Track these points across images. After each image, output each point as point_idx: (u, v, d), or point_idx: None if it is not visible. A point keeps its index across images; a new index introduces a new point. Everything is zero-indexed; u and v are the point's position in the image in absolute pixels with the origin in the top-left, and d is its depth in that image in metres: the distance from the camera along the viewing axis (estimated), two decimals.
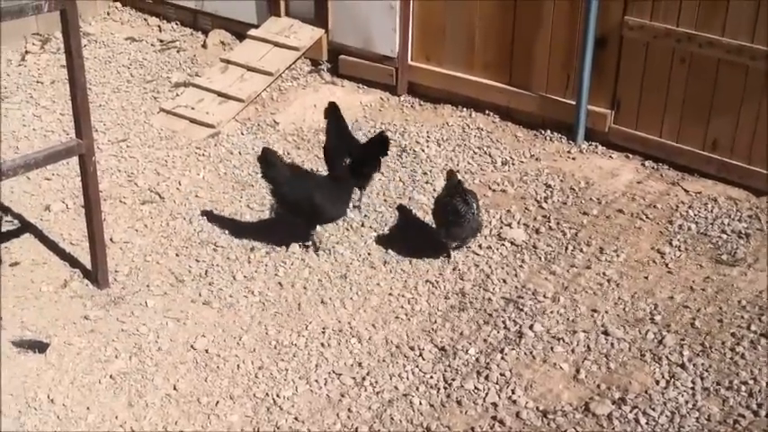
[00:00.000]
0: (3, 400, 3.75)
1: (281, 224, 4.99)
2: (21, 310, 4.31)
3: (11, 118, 6.13)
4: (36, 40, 7.25)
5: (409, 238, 4.86)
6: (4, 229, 4.90)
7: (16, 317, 4.26)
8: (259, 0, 6.94)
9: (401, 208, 5.11)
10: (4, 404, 3.73)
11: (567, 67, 5.65)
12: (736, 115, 5.05)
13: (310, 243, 4.80)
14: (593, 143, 5.63)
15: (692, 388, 3.75)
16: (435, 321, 4.24)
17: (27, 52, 7.10)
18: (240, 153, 5.77)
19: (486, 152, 5.64)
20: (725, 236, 4.74)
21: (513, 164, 5.50)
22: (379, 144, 5.08)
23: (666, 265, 4.56)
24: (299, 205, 4.69)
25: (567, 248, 4.71)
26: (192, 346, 4.11)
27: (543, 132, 5.79)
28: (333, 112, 5.25)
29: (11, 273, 4.57)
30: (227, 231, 4.97)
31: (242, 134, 6.01)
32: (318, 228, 4.86)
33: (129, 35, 7.41)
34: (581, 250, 4.69)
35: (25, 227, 4.95)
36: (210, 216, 5.10)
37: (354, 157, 4.94)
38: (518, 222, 4.94)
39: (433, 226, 4.79)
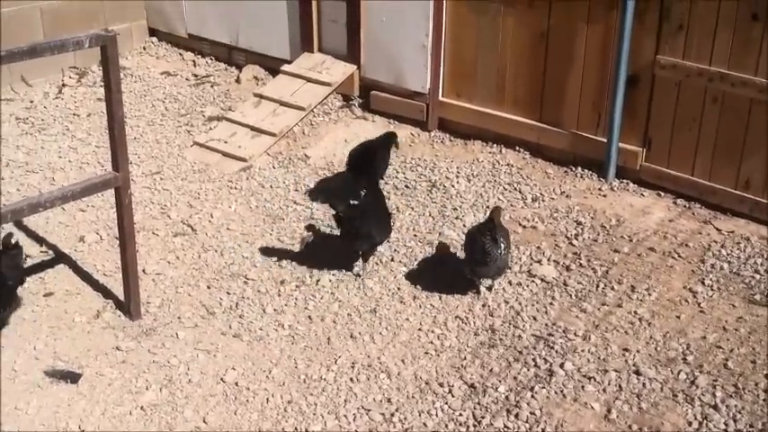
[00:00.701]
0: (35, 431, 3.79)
1: (311, 257, 5.02)
2: (54, 340, 4.36)
3: (47, 149, 6.24)
4: (73, 73, 7.41)
5: (439, 273, 4.86)
6: (38, 260, 4.97)
7: (49, 347, 4.31)
8: (292, 36, 7.05)
9: (440, 245, 5.10)
10: None
11: (598, 105, 5.67)
12: None
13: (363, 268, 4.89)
14: (625, 181, 5.63)
15: (725, 430, 3.70)
16: (465, 358, 4.23)
17: (64, 85, 7.25)
18: (272, 187, 5.82)
19: (516, 188, 5.65)
20: (758, 276, 4.69)
21: (543, 200, 5.50)
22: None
23: (699, 304, 4.52)
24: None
25: (597, 286, 4.68)
26: (221, 379, 4.12)
27: (574, 169, 5.79)
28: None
29: (45, 303, 4.63)
30: (257, 264, 5.01)
31: (273, 168, 6.07)
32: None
33: (165, 69, 7.55)
34: (612, 288, 4.67)
35: (59, 257, 5.02)
36: (242, 249, 5.14)
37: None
38: (548, 259, 4.92)
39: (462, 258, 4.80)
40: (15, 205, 4.16)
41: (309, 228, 5.29)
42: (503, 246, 4.48)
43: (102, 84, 7.17)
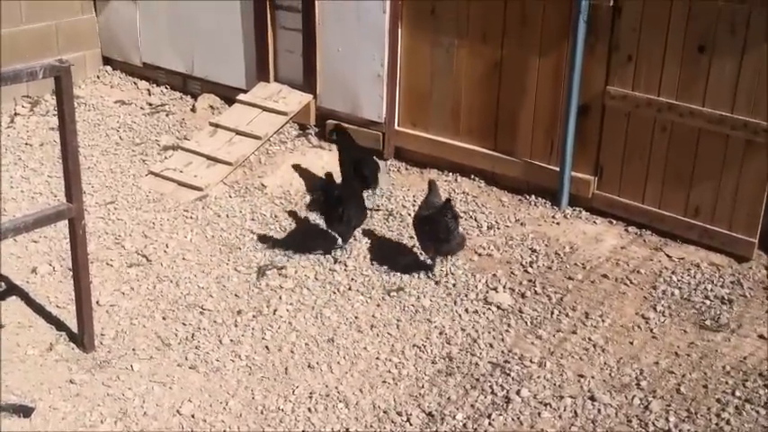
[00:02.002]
0: None
1: (268, 288, 5.01)
2: (5, 373, 4.27)
3: None
4: (26, 102, 7.32)
5: (396, 302, 4.88)
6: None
7: (1, 380, 4.23)
8: (248, 65, 7.07)
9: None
10: None
11: (550, 134, 5.77)
12: (718, 183, 5.16)
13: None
14: (577, 208, 5.72)
15: None
16: (423, 386, 4.24)
17: (16, 114, 7.16)
18: (228, 216, 5.81)
19: (471, 216, 5.71)
20: (708, 301, 4.80)
21: (498, 228, 5.57)
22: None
23: (651, 330, 4.61)
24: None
25: (552, 313, 4.75)
26: (178, 411, 4.08)
27: (528, 197, 5.88)
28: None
29: None
30: (213, 294, 4.98)
31: (230, 197, 6.06)
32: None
33: (119, 98, 7.50)
34: (567, 315, 4.73)
35: (11, 289, 4.93)
36: (198, 279, 5.11)
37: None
38: (504, 287, 4.98)
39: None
40: None
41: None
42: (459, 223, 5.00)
43: (56, 113, 7.15)
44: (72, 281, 4.63)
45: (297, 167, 6.36)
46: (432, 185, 5.31)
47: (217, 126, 6.72)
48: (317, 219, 5.71)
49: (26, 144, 6.71)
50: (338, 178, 5.61)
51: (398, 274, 5.13)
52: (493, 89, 5.94)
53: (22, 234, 4.69)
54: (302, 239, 5.50)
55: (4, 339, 4.52)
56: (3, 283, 4.98)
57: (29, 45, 7.29)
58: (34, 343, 4.51)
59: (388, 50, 6.22)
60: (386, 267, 5.19)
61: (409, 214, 5.74)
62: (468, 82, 6.03)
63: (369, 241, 5.47)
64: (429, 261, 5.18)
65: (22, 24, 7.29)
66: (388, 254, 5.33)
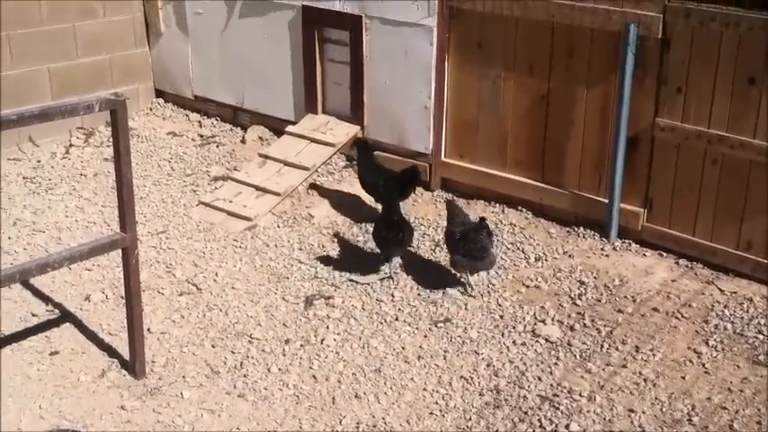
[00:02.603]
0: None
1: (315, 317, 5.04)
2: (59, 399, 4.35)
3: (54, 209, 6.30)
4: (80, 133, 7.51)
5: (443, 332, 4.88)
6: (44, 319, 4.98)
7: (54, 405, 4.31)
8: (297, 98, 7.18)
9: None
10: None
11: (599, 166, 5.75)
12: None
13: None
14: (627, 241, 5.67)
15: None
16: (470, 418, 4.22)
17: (71, 145, 7.35)
18: (276, 246, 5.87)
19: (519, 248, 5.70)
20: (761, 336, 4.71)
21: (546, 260, 5.55)
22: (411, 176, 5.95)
23: (703, 365, 4.53)
24: None
25: (602, 346, 4.70)
26: None
27: (576, 229, 5.85)
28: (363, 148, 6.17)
29: (50, 362, 4.63)
30: (262, 323, 5.03)
31: (278, 227, 6.13)
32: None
33: (171, 130, 7.66)
34: (617, 348, 4.68)
35: (65, 316, 5.04)
36: (246, 308, 5.17)
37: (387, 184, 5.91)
38: (552, 319, 4.95)
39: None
40: (24, 266, 4.20)
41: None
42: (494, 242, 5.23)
43: (110, 144, 7.32)
44: (124, 308, 4.72)
45: (344, 198, 6.42)
46: (450, 205, 5.52)
47: (266, 157, 6.82)
48: (364, 247, 5.74)
49: (81, 174, 6.87)
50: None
51: (446, 305, 5.13)
52: (540, 121, 5.95)
53: (77, 263, 4.81)
54: (350, 269, 5.53)
55: (57, 365, 4.61)
56: (57, 311, 5.08)
57: (84, 78, 7.50)
58: (87, 369, 4.59)
59: (435, 83, 6.28)
60: (433, 298, 5.20)
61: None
62: (515, 114, 6.05)
63: (416, 272, 5.48)
64: (466, 284, 5.27)
65: (78, 58, 7.50)
66: (435, 284, 5.33)
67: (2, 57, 6.97)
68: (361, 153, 6.21)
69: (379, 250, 5.50)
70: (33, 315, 5.00)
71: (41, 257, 4.45)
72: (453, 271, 5.32)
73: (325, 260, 5.68)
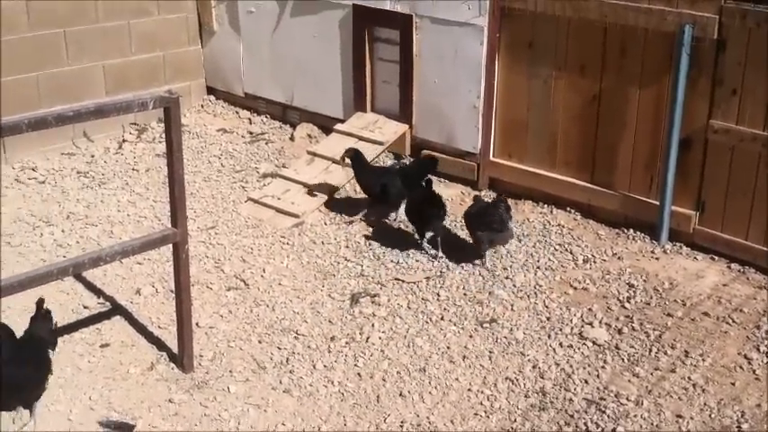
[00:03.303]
0: None
1: (361, 315, 5.06)
2: (109, 390, 4.44)
3: (107, 203, 6.42)
4: (133, 129, 7.64)
5: (488, 333, 4.86)
6: (96, 311, 5.08)
7: (104, 397, 4.39)
8: (346, 96, 7.21)
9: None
10: None
11: (650, 168, 5.67)
12: None
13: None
14: (678, 244, 5.59)
15: None
16: (515, 420, 4.20)
17: (124, 141, 7.48)
18: (323, 243, 5.90)
19: (567, 249, 5.65)
20: None
21: (594, 262, 5.49)
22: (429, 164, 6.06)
23: (754, 371, 4.45)
24: None
25: (650, 350, 4.63)
26: None
27: (626, 231, 5.78)
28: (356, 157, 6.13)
29: (101, 354, 4.72)
30: (308, 320, 5.06)
31: (325, 224, 6.16)
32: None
33: (221, 127, 7.75)
34: (665, 353, 4.61)
35: (116, 309, 5.13)
36: (293, 304, 5.20)
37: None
38: (600, 322, 4.89)
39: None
40: (77, 259, 4.29)
41: None
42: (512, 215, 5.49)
43: (161, 140, 7.43)
44: (173, 302, 4.79)
45: None
46: (476, 198, 5.88)
47: (314, 155, 6.86)
48: (411, 246, 5.75)
49: (133, 169, 6.99)
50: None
51: (492, 305, 5.11)
52: (591, 121, 5.89)
53: (129, 257, 4.89)
54: (396, 268, 5.55)
55: (108, 357, 4.70)
56: (108, 303, 5.18)
57: (137, 75, 7.63)
58: (136, 362, 4.67)
59: (485, 82, 6.26)
60: (479, 298, 5.18)
61: (503, 245, 5.72)
62: (565, 114, 6.00)
63: (461, 271, 5.46)
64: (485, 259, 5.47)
65: (132, 55, 7.63)
66: (481, 285, 5.31)
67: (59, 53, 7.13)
68: (356, 162, 6.16)
69: (417, 228, 5.73)
70: (85, 307, 5.10)
71: (94, 251, 4.54)
72: (480, 251, 5.51)
73: (372, 258, 5.69)
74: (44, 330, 4.33)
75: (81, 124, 7.14)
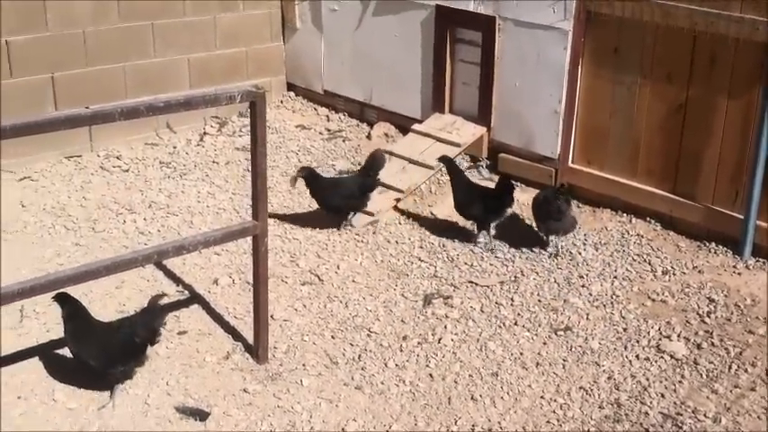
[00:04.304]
0: None
1: (434, 316, 5.06)
2: (185, 377, 4.53)
3: (187, 194, 6.55)
4: (214, 122, 7.77)
5: (562, 340, 4.81)
6: (175, 299, 5.19)
7: (181, 384, 4.48)
8: (424, 96, 7.22)
9: None
10: None
11: (735, 181, 5.53)
12: None
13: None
14: (761, 259, 5.44)
15: None
16: (588, 430, 4.14)
17: (205, 133, 7.62)
18: (397, 242, 5.92)
19: (645, 260, 5.55)
20: None
21: (674, 274, 5.38)
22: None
23: None
24: None
25: (730, 367, 4.52)
26: (343, 429, 4.18)
27: (707, 244, 5.65)
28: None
29: (178, 341, 4.82)
30: (380, 318, 5.08)
31: (399, 224, 6.17)
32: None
33: (300, 123, 7.84)
34: (745, 370, 4.49)
35: (194, 298, 5.23)
36: (366, 302, 5.23)
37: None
38: (678, 335, 4.79)
39: None
40: (161, 247, 4.40)
41: None
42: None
43: (242, 133, 7.56)
44: (249, 294, 4.88)
45: None
46: (544, 188, 6.05)
47: (391, 154, 6.87)
48: (485, 249, 5.72)
49: (213, 162, 7.11)
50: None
51: (567, 312, 5.05)
52: (676, 130, 5.77)
53: (210, 247, 4.99)
54: (470, 271, 5.53)
55: (185, 345, 4.79)
56: (187, 292, 5.28)
57: (220, 69, 7.75)
58: (212, 350, 4.76)
59: (567, 87, 6.19)
60: (554, 305, 5.13)
61: (579, 253, 5.66)
62: (649, 122, 5.89)
63: (536, 277, 5.42)
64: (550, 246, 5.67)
65: (216, 50, 7.76)
66: (556, 292, 5.26)
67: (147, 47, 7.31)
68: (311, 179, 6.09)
69: (474, 219, 5.89)
70: (165, 295, 5.19)
71: (177, 240, 4.64)
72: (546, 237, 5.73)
73: (446, 260, 5.69)
74: (144, 324, 4.40)
75: (165, 116, 7.31)
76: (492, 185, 6.14)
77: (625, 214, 6.07)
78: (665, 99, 5.80)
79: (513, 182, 6.08)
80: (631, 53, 5.91)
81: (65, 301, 4.27)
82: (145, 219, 6.13)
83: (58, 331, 4.66)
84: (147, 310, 4.51)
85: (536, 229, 5.81)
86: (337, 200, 6.04)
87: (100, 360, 4.23)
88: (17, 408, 4.26)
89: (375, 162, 6.15)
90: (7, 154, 6.65)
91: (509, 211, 5.94)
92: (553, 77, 6.23)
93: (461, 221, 6.13)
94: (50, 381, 4.45)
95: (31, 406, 4.28)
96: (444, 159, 6.08)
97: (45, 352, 4.65)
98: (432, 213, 6.28)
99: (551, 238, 5.72)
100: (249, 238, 4.55)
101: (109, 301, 5.12)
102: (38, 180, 6.66)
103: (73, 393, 4.37)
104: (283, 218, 6.24)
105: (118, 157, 7.07)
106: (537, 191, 6.41)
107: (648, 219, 5.96)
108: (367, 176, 6.10)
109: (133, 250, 4.84)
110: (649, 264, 5.51)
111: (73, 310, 4.28)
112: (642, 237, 5.81)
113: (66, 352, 4.48)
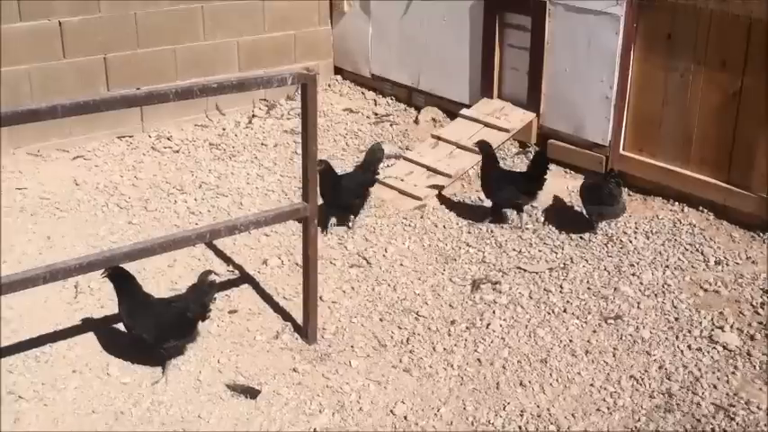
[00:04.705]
0: None
1: (482, 301, 5.05)
2: (236, 355, 4.58)
3: (236, 175, 6.61)
4: (263, 105, 7.82)
5: (612, 329, 4.78)
6: (225, 278, 5.24)
7: (231, 361, 4.54)
8: (473, 82, 7.18)
9: None
10: None
11: None
12: None
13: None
14: None
15: None
16: (639, 420, 4.11)
17: (254, 116, 7.67)
18: (445, 227, 5.91)
19: (698, 249, 5.48)
20: None
21: (727, 264, 5.31)
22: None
23: None
24: None
25: None
26: (391, 411, 4.20)
27: (761, 235, 5.56)
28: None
29: (229, 320, 4.88)
30: (428, 302, 5.09)
31: (447, 209, 6.16)
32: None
33: (347, 107, 7.85)
34: None
35: (244, 278, 5.28)
36: (414, 285, 5.24)
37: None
38: (731, 326, 4.73)
39: None
40: (214, 226, 4.46)
41: None
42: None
43: (290, 117, 7.60)
44: (298, 275, 4.91)
45: None
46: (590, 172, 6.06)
47: (439, 138, 6.87)
48: (533, 235, 5.70)
49: (262, 144, 7.16)
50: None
51: (617, 301, 5.01)
52: (730, 119, 5.68)
53: (261, 228, 5.03)
54: (518, 257, 5.51)
55: (236, 324, 4.85)
56: (237, 272, 5.34)
57: (268, 52, 7.79)
58: (262, 330, 4.81)
59: (619, 73, 6.12)
60: (604, 293, 5.09)
61: (630, 241, 5.60)
62: (702, 109, 5.81)
63: (585, 265, 5.38)
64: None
65: (265, 33, 7.79)
66: (606, 280, 5.22)
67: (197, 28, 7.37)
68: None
69: (507, 202, 5.90)
70: (215, 274, 5.26)
71: (230, 220, 4.69)
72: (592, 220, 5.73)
73: (494, 245, 5.67)
74: (195, 299, 4.46)
75: (214, 98, 7.38)
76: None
77: (677, 203, 5.99)
78: (719, 86, 5.70)
79: (561, 166, 6.06)
80: (685, 39, 5.82)
81: (120, 276, 4.34)
82: (195, 199, 6.19)
83: (111, 307, 4.75)
84: (198, 286, 4.56)
85: (585, 215, 5.77)
86: (342, 198, 5.81)
87: (154, 334, 4.30)
88: (72, 381, 4.35)
89: (374, 157, 6.04)
90: (61, 134, 6.78)
91: (541, 190, 5.87)
92: (604, 63, 6.16)
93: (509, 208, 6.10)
94: (105, 355, 4.54)
95: (85, 380, 4.37)
96: (482, 144, 6.04)
97: (99, 327, 4.74)
98: (480, 199, 6.25)
99: (600, 224, 5.70)
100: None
101: (161, 279, 5.19)
102: (90, 159, 6.77)
103: (126, 368, 4.45)
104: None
105: (168, 138, 7.15)
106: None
107: (701, 208, 5.88)
108: (368, 172, 6.01)
109: (186, 229, 4.89)
110: (702, 253, 5.44)
111: (128, 286, 4.35)
112: (694, 226, 5.74)
113: (119, 328, 4.57)
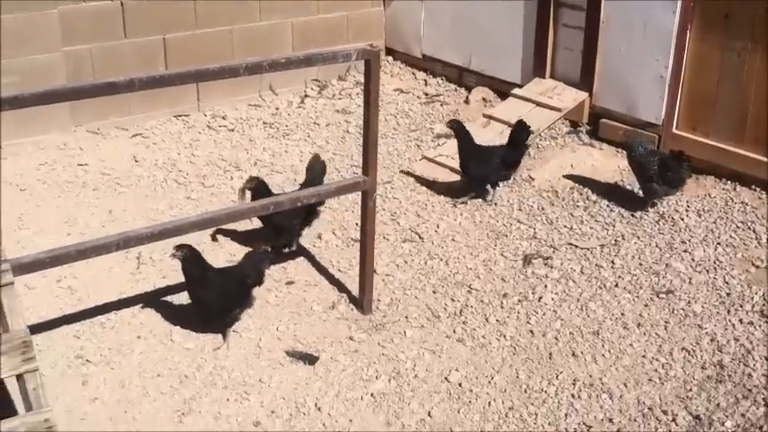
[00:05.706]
0: (277, 404, 4.14)
1: (534, 276, 5.13)
2: (294, 324, 4.72)
3: (290, 153, 6.74)
4: (314, 85, 7.94)
5: (665, 303, 4.82)
6: (282, 251, 5.38)
7: (290, 330, 4.68)
8: (525, 61, 7.22)
9: None
10: (277, 407, 4.11)
11: None
12: None
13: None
14: None
15: None
16: (690, 389, 4.17)
17: (306, 96, 7.80)
18: (496, 204, 5.98)
19: (750, 227, 5.49)
20: None
21: None
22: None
23: None
24: None
25: None
26: (446, 378, 4.31)
27: None
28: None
29: (287, 290, 5.02)
30: (480, 276, 5.17)
31: (498, 187, 6.23)
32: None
33: (398, 87, 7.94)
34: None
35: (299, 251, 5.42)
36: (466, 260, 5.33)
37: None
38: None
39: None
40: (278, 198, 4.65)
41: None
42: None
43: (341, 96, 7.71)
44: (351, 249, 5.03)
45: (566, 163, 6.42)
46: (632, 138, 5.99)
47: (490, 118, 6.92)
48: (584, 213, 5.75)
49: (314, 123, 7.29)
50: None
51: (669, 276, 5.05)
52: None
53: (324, 199, 5.15)
54: (569, 233, 5.56)
55: (293, 294, 4.99)
56: (294, 245, 5.47)
57: (321, 33, 7.90)
58: (319, 300, 4.94)
59: (674, 52, 6.12)
60: (655, 269, 5.13)
61: (682, 219, 5.62)
62: (758, 89, 5.78)
63: (637, 242, 5.42)
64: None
65: (318, 14, 7.91)
66: (658, 257, 5.26)
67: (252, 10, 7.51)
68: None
69: (485, 179, 5.99)
70: (273, 247, 5.41)
71: (294, 192, 4.82)
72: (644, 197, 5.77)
73: (545, 222, 5.73)
74: (252, 266, 4.63)
75: (268, 78, 7.52)
76: (593, 151, 6.12)
77: (729, 182, 5.99)
78: None
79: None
80: (742, 19, 5.79)
81: (185, 249, 4.49)
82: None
83: (172, 277, 4.93)
84: (252, 254, 4.71)
85: (638, 192, 5.80)
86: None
87: (218, 303, 4.45)
88: (138, 346, 4.52)
89: (314, 171, 5.50)
90: (120, 112, 6.98)
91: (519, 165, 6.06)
92: (660, 43, 6.16)
93: (560, 186, 6.15)
94: (167, 323, 4.71)
95: (150, 345, 4.54)
96: (453, 123, 6.06)
97: (161, 296, 4.91)
98: (531, 177, 6.31)
99: (653, 200, 5.73)
100: (350, 196, 4.67)
101: (219, 252, 5.35)
102: (149, 137, 6.96)
103: (188, 335, 4.62)
104: (383, 178, 6.34)
105: (223, 117, 7.31)
106: None
107: (754, 187, 5.87)
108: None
109: (249, 202, 5.03)
110: (754, 231, 5.44)
111: (192, 257, 4.50)
112: (747, 204, 5.73)
113: (181, 297, 4.73)
